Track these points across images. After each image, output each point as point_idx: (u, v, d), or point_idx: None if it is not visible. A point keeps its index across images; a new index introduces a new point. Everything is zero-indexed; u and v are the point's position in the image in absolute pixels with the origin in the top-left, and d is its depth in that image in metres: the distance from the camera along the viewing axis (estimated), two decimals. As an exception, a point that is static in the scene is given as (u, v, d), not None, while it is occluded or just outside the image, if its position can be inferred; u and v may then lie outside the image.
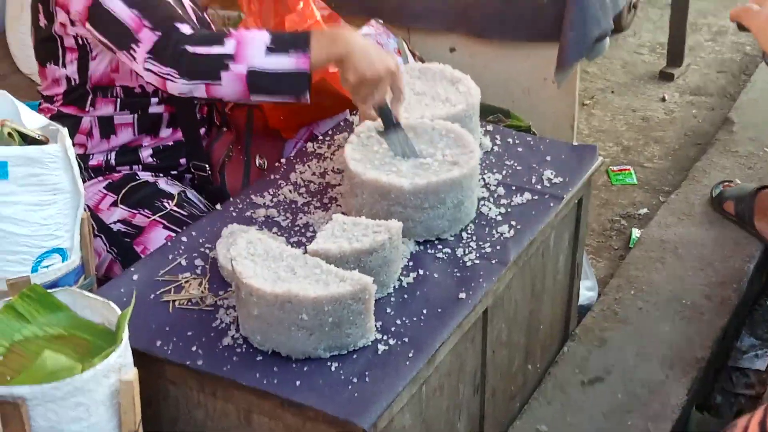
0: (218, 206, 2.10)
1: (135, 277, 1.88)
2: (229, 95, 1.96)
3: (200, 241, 1.98)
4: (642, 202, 3.25)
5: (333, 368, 1.63)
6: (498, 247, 1.94)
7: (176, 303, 1.80)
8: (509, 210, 2.05)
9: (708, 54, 4.31)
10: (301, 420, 1.58)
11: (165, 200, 2.24)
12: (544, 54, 2.88)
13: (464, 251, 1.93)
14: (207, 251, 1.94)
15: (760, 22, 1.94)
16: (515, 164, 2.22)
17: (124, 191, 2.24)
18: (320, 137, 2.35)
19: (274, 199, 2.10)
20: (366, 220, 1.82)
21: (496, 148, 2.29)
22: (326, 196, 2.11)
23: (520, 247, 1.95)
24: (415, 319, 1.75)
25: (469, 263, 1.90)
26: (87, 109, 2.22)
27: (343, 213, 1.95)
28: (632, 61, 4.30)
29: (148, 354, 1.68)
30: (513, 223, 2.01)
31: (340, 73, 1.96)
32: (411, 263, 1.90)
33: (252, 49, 1.91)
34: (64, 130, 1.78)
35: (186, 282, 1.85)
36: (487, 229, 1.99)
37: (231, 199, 2.13)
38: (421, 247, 1.94)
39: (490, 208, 2.04)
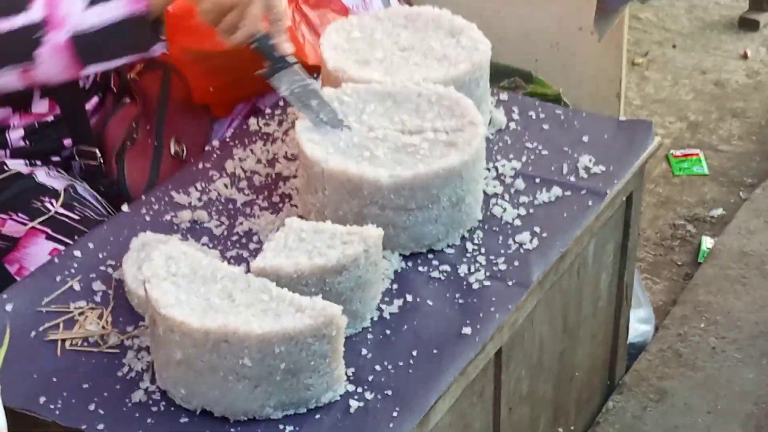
0: (124, 207, 2.11)
1: (8, 307, 1.88)
2: (55, 76, 2.04)
3: (100, 256, 1.99)
4: (715, 200, 3.29)
5: (287, 433, 1.65)
6: (516, 263, 1.96)
7: (67, 343, 1.81)
8: (531, 211, 2.07)
9: (806, -7, 4.36)
10: (242, 506, 1.60)
11: (47, 199, 2.24)
12: (577, -7, 2.91)
13: (469, 268, 1.95)
14: (110, 271, 1.95)
15: None
16: (539, 148, 2.24)
17: (-13, 189, 2.25)
18: (267, 111, 2.37)
19: (204, 197, 2.11)
20: (332, 226, 1.83)
21: (513, 125, 2.31)
22: (276, 192, 2.12)
23: (546, 264, 1.97)
24: (401, 363, 1.76)
25: (476, 285, 1.91)
26: None
27: (299, 216, 1.96)
28: (702, 3, 4.35)
29: (28, 414, 1.68)
30: (537, 229, 2.03)
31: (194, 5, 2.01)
32: (395, 286, 1.91)
33: (66, 5, 1.95)
34: None
35: (81, 314, 1.86)
36: (500, 237, 2.01)
37: (141, 197, 2.14)
38: (409, 264, 1.96)
39: (505, 209, 2.07)
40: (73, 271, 1.96)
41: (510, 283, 1.92)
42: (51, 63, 2.00)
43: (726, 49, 4.05)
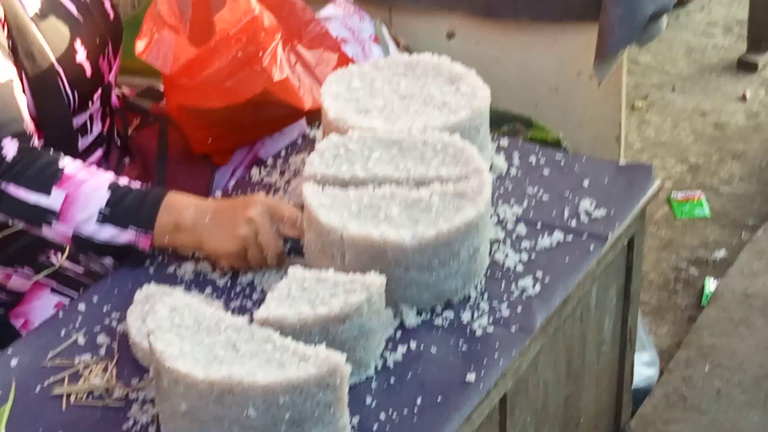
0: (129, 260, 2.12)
1: (13, 362, 1.88)
2: (51, 240, 2.16)
3: (104, 309, 1.99)
4: (718, 242, 3.29)
5: (293, 483, 1.65)
6: (519, 309, 1.96)
7: (72, 398, 1.81)
8: (533, 256, 2.08)
9: (804, 34, 4.38)
10: None
11: (52, 251, 2.25)
12: (577, 39, 2.92)
13: (472, 315, 1.95)
14: (114, 323, 1.96)
15: None
16: (540, 193, 2.25)
17: (-7, 242, 2.26)
18: (269, 161, 2.38)
19: (207, 249, 2.12)
20: (335, 275, 1.83)
21: (513, 171, 2.32)
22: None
23: (549, 309, 1.98)
24: (405, 412, 1.76)
25: (479, 332, 1.92)
26: None
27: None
28: (700, 46, 4.37)
29: (33, 469, 1.68)
30: (539, 274, 2.03)
31: None
32: (399, 333, 1.91)
33: (82, 212, 2.05)
34: None
35: (85, 368, 1.86)
36: (503, 283, 2.01)
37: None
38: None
39: (507, 254, 2.07)
40: (77, 324, 1.96)
41: (513, 329, 1.93)
42: (50, 236, 2.10)
43: (725, 91, 4.06)
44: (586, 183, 2.28)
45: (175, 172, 2.41)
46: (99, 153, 2.39)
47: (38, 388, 1.83)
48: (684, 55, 4.29)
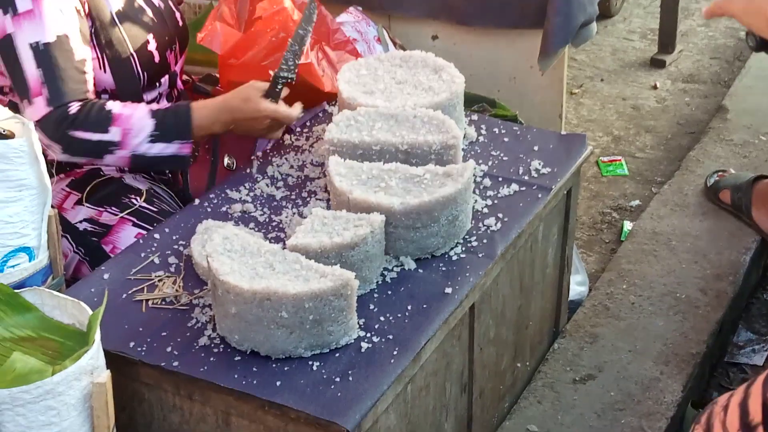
0: (196, 201, 2.11)
1: (106, 276, 1.88)
2: (109, 166, 2.25)
3: (173, 238, 1.99)
4: (633, 194, 3.28)
5: (315, 368, 1.65)
6: (485, 241, 1.96)
7: (149, 302, 1.81)
8: (496, 202, 2.07)
9: (701, 40, 4.35)
10: (282, 422, 1.60)
11: (133, 196, 2.25)
12: (530, 41, 2.90)
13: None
14: (181, 248, 1.96)
15: (741, 3, 1.87)
16: (501, 155, 2.24)
17: (88, 188, 2.25)
18: (297, 129, 2.37)
19: (251, 194, 2.11)
20: (347, 214, 1.83)
21: (481, 138, 2.31)
22: (305, 189, 2.12)
23: (507, 241, 1.97)
24: (399, 315, 1.77)
25: (455, 257, 1.92)
26: None
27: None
28: (622, 47, 4.34)
29: (121, 355, 1.68)
30: (500, 215, 2.03)
31: None
32: (394, 261, 1.91)
33: (137, 138, 2.12)
34: (30, 124, 1.78)
35: (159, 280, 1.86)
36: (473, 222, 2.01)
37: (205, 194, 2.14)
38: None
39: (476, 200, 2.06)
40: (153, 249, 1.96)
41: (480, 255, 1.93)
42: (111, 162, 2.16)
43: (640, 81, 4.04)
44: (536, 148, 2.27)
45: (226, 138, 2.39)
46: None
47: (124, 296, 1.84)
48: (610, 55, 4.26)
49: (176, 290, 1.83)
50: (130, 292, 1.84)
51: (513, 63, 3.00)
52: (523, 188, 2.12)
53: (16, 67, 2.08)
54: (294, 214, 2.04)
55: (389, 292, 1.83)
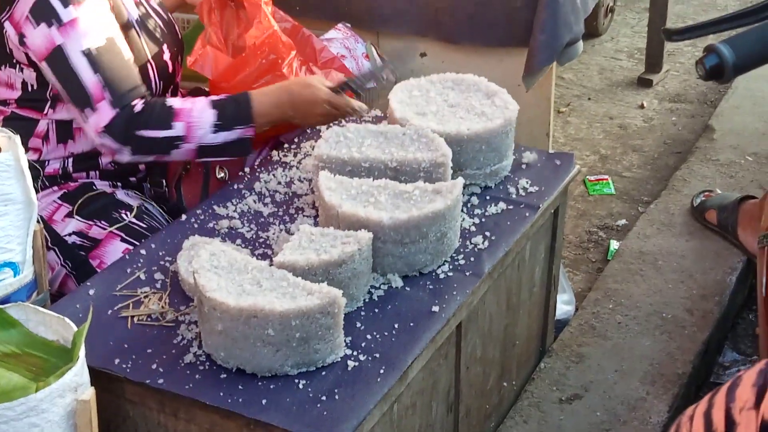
0: (183, 217, 2.10)
1: (91, 291, 1.87)
2: (176, 161, 2.28)
3: (160, 253, 1.98)
4: (620, 213, 3.29)
5: (301, 386, 1.64)
6: (472, 259, 1.96)
7: (135, 319, 1.80)
8: (483, 220, 2.07)
9: (687, 59, 4.38)
10: (267, 440, 1.59)
11: (123, 211, 2.24)
12: (517, 59, 2.90)
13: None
14: (167, 264, 1.95)
15: None
16: (489, 173, 2.23)
17: (79, 202, 2.24)
18: (286, 145, 2.36)
19: (238, 210, 2.11)
20: (335, 231, 1.83)
21: (469, 157, 2.30)
22: (292, 206, 2.11)
23: (494, 259, 1.97)
24: (386, 333, 1.76)
25: (442, 275, 1.91)
26: (45, 111, 2.22)
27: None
28: (609, 67, 4.36)
29: (105, 372, 1.67)
30: (487, 233, 2.03)
31: None
32: (381, 278, 1.90)
33: (201, 130, 2.13)
34: (17, 138, 1.78)
35: (145, 297, 1.85)
36: (461, 240, 2.00)
37: (192, 210, 2.13)
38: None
39: (464, 219, 2.06)
40: (140, 264, 1.95)
41: (467, 274, 1.92)
42: (178, 156, 2.19)
43: (627, 101, 4.05)
44: (524, 166, 2.27)
45: None
46: None
47: (109, 312, 1.82)
48: (597, 74, 4.28)
49: (162, 307, 1.82)
50: (115, 308, 1.83)
51: (501, 81, 2.97)
52: (511, 207, 2.11)
53: (72, 78, 2.08)
54: (281, 230, 2.03)
55: (376, 310, 1.82)
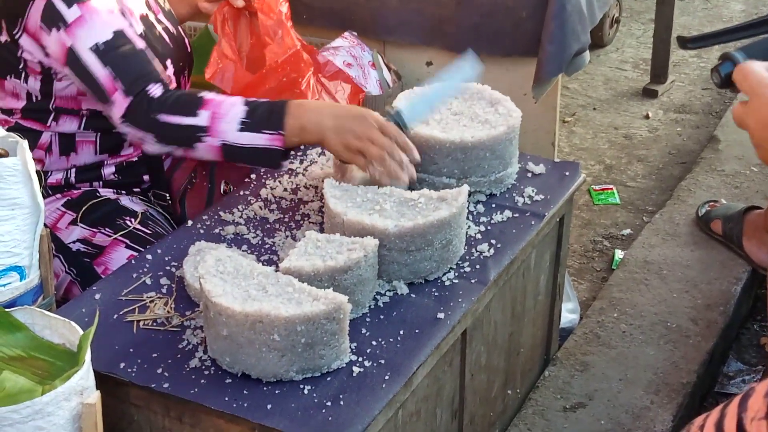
0: (189, 223, 2.10)
1: (97, 296, 1.88)
2: (205, 158, 2.08)
3: (166, 259, 1.98)
4: (625, 223, 3.29)
5: (306, 391, 1.64)
6: (477, 267, 1.96)
7: (141, 323, 1.80)
8: (489, 228, 2.07)
9: (693, 70, 4.38)
10: (272, 445, 1.59)
11: (127, 218, 2.24)
12: (523, 69, 2.91)
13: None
14: (173, 269, 1.95)
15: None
16: (495, 181, 2.24)
17: (83, 209, 2.24)
18: (292, 152, 2.36)
19: (244, 216, 2.11)
20: (341, 237, 1.83)
21: (474, 165, 2.30)
22: (298, 212, 2.12)
23: (500, 267, 1.97)
24: (391, 340, 1.76)
25: (447, 283, 1.91)
26: (49, 124, 2.22)
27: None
28: (615, 77, 4.36)
29: (111, 376, 1.67)
30: (493, 241, 2.03)
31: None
32: (386, 284, 1.90)
33: (225, 124, 1.99)
34: (24, 143, 1.78)
35: (151, 301, 1.85)
36: (466, 247, 2.00)
37: (198, 215, 2.13)
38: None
39: (470, 226, 2.06)
40: (145, 269, 1.95)
41: (473, 281, 1.92)
42: (204, 153, 2.03)
43: (633, 111, 4.06)
44: (529, 175, 2.27)
45: (224, 164, 2.38)
46: (168, 161, 2.41)
47: (115, 316, 1.83)
48: (602, 84, 4.28)
49: (168, 311, 1.83)
50: (121, 312, 1.83)
51: (506, 90, 2.97)
52: (516, 215, 2.12)
53: (87, 76, 2.06)
54: (287, 236, 2.03)
55: (381, 317, 1.82)
